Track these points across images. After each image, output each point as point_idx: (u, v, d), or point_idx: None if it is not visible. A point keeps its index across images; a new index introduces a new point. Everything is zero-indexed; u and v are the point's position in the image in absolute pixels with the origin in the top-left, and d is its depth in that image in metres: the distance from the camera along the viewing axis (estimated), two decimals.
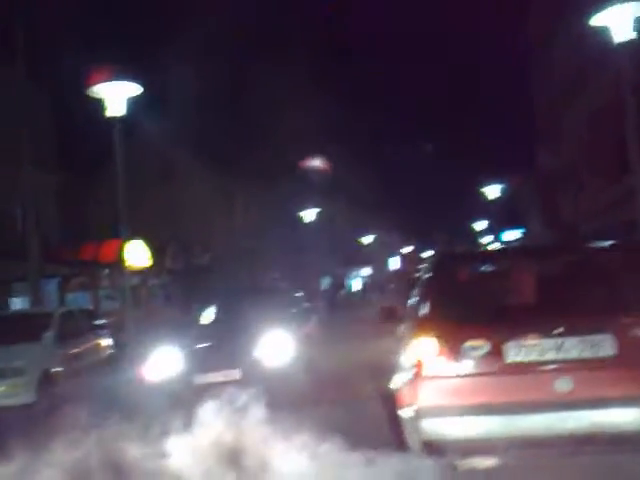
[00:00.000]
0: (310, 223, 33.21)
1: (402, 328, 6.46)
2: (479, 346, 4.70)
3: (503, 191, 34.18)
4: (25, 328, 10.48)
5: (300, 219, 33.89)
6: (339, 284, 43.82)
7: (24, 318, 11.52)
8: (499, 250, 7.84)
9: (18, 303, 19.09)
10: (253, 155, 36.36)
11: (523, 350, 4.68)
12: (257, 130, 37.02)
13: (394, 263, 78.64)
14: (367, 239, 58.88)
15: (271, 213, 44.09)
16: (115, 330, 13.54)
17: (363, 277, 65.39)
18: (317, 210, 33.46)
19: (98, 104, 11.51)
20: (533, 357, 4.67)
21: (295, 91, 36.06)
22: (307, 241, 37.01)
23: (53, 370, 9.80)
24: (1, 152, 21.65)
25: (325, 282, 47.92)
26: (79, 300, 20.47)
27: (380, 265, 71.15)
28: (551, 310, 4.92)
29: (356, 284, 61.05)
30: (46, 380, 9.48)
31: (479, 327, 4.83)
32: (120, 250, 15.39)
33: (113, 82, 10.91)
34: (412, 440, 4.75)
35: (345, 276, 57.07)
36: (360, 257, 61.10)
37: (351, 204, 59.00)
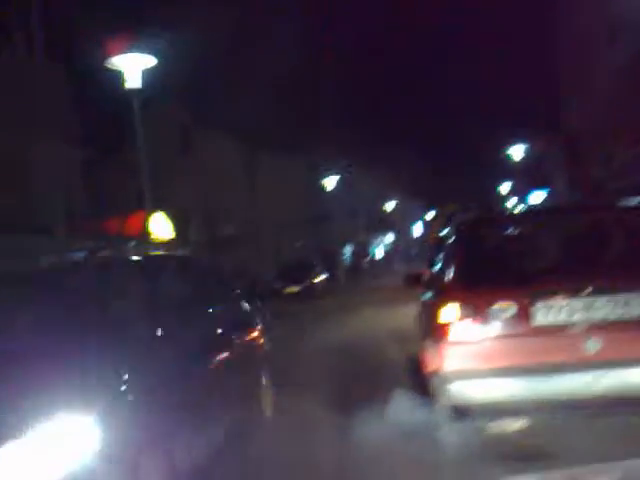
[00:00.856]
0: (332, 191, 33.06)
1: (428, 293, 6.45)
2: (506, 308, 4.68)
3: (527, 152, 33.59)
4: None
5: (323, 187, 33.76)
6: (362, 251, 43.82)
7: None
8: (524, 212, 7.72)
9: None
10: (274, 124, 36.23)
11: (551, 311, 4.65)
12: (280, 99, 36.80)
13: (417, 229, 78.41)
14: (389, 205, 58.55)
15: (294, 181, 44.08)
16: None
17: (386, 244, 65.35)
18: (337, 177, 33.27)
19: (116, 77, 11.50)
20: (562, 318, 4.63)
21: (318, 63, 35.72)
22: (329, 208, 36.97)
23: None
24: (26, 127, 21.87)
25: (347, 250, 47.99)
26: None
27: (403, 231, 71.02)
28: (579, 270, 4.87)
29: (379, 251, 61.09)
30: None
31: (506, 289, 4.80)
32: (145, 222, 15.51)
33: (129, 54, 10.86)
34: (441, 403, 4.77)
35: (368, 243, 57.06)
36: (383, 223, 60.95)
37: (373, 170, 58.66)
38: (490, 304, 4.68)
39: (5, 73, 22.64)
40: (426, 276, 7.13)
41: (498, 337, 4.66)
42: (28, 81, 18.85)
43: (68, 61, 25.60)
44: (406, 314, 13.13)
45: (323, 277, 29.55)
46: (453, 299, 4.78)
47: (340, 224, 38.30)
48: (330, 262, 34.81)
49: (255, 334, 6.26)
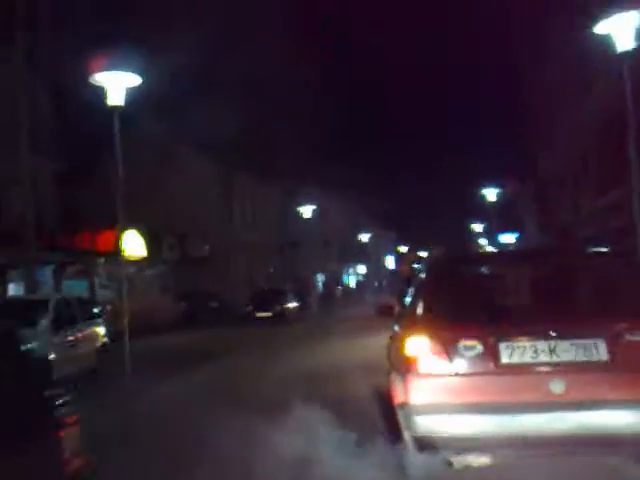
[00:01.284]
0: (307, 219, 33.22)
1: (397, 326, 6.53)
2: (473, 346, 4.76)
3: (500, 195, 34.30)
4: (22, 314, 10.50)
5: (298, 214, 33.90)
6: (334, 280, 43.90)
7: (20, 304, 11.55)
8: (494, 253, 7.89)
9: (13, 289, 19.08)
10: (252, 147, 36.40)
11: (517, 351, 4.75)
12: (260, 123, 37.04)
13: (390, 262, 78.88)
14: (364, 237, 58.87)
15: (268, 206, 44.18)
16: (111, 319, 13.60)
17: (358, 275, 65.56)
18: (313, 207, 33.49)
19: (97, 93, 11.54)
20: (527, 358, 4.73)
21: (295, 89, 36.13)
22: (303, 236, 37.10)
23: (48, 357, 9.81)
24: (0, 138, 21.68)
25: (319, 278, 48.02)
26: (75, 287, 20.47)
27: (376, 263, 71.35)
28: (545, 313, 5.00)
29: (352, 281, 61.24)
30: None
31: (473, 327, 4.89)
32: (116, 239, 15.43)
33: (113, 71, 10.92)
34: (407, 436, 4.82)
35: (340, 272, 57.22)
36: (356, 254, 61.23)
37: (348, 202, 59.09)
38: (457, 340, 4.77)
39: None
40: (397, 308, 7.22)
41: (465, 373, 4.74)
42: (8, 91, 18.74)
43: (50, 75, 25.57)
44: (375, 345, 13.19)
45: (294, 304, 29.51)
46: (421, 332, 4.85)
47: (313, 252, 38.38)
48: (302, 289, 34.80)
49: None
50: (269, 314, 26.83)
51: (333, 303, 38.25)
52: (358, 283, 61.15)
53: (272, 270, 44.66)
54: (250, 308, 27.54)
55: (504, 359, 4.74)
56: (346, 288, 52.41)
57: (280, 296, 28.62)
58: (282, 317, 26.89)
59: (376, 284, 67.12)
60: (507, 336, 4.77)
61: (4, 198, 23.11)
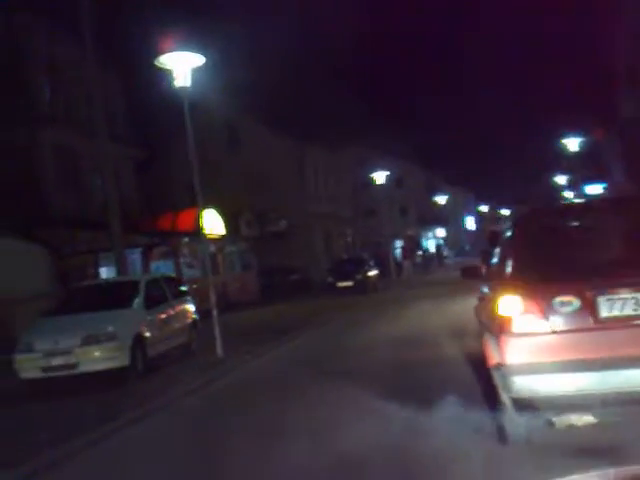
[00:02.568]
0: (382, 186, 32.88)
1: (486, 287, 6.38)
2: (569, 302, 4.59)
3: (583, 143, 32.70)
4: (115, 296, 10.97)
5: (372, 181, 33.61)
6: (413, 246, 43.46)
7: (114, 286, 12.02)
8: (582, 203, 7.53)
9: (104, 272, 19.97)
10: (323, 118, 36.27)
11: (617, 304, 4.54)
12: (324, 95, 36.86)
13: (470, 222, 77.32)
14: (441, 199, 57.80)
15: (342, 176, 44.07)
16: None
17: (438, 238, 64.68)
18: (387, 173, 33.07)
19: (166, 77, 11.71)
20: (628, 311, 4.52)
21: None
22: (379, 203, 36.81)
23: (144, 334, 10.23)
24: (78, 124, 22.55)
25: (398, 244, 47.69)
26: (162, 268, 21.17)
27: (456, 225, 70.15)
28: None
29: (431, 245, 60.50)
30: (138, 344, 9.92)
31: (568, 283, 4.70)
32: (196, 219, 15.77)
33: (178, 52, 11.02)
34: (504, 397, 4.71)
35: (419, 237, 56.59)
36: (435, 217, 60.32)
37: (423, 165, 58.13)
38: (553, 297, 4.60)
39: (62, 71, 23.42)
40: (484, 269, 7.05)
41: (562, 330, 4.57)
42: (82, 80, 19.38)
43: (120, 57, 26.30)
44: (461, 308, 13.05)
45: (375, 272, 29.46)
46: (515, 292, 4.70)
47: (390, 218, 38.06)
48: (381, 257, 34.68)
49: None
50: (350, 283, 26.91)
51: (414, 268, 37.95)
52: (438, 246, 60.31)
53: (350, 239, 44.72)
54: (331, 279, 27.70)
55: (604, 313, 4.55)
56: (426, 253, 51.81)
57: (360, 265, 28.60)
58: (363, 285, 26.90)
59: (458, 246, 66.12)
60: (606, 289, 4.57)
61: (88, 187, 24.12)
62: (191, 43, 11.42)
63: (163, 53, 11.06)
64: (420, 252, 48.57)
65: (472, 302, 7.85)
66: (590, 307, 4.56)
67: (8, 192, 19.96)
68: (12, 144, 21.48)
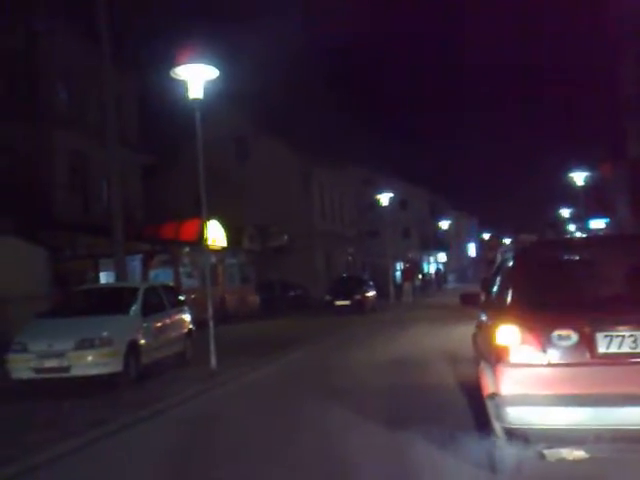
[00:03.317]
0: (386, 207, 32.94)
1: (484, 315, 6.35)
2: (568, 336, 4.57)
3: (589, 178, 32.78)
4: (113, 301, 10.96)
5: (377, 202, 33.66)
6: (414, 269, 43.34)
7: (112, 292, 12.02)
8: (587, 238, 7.52)
9: (104, 278, 19.96)
10: (332, 135, 36.44)
11: (615, 341, 4.52)
12: (333, 114, 37.09)
13: (472, 249, 77.32)
14: (444, 224, 57.85)
15: (347, 196, 44.18)
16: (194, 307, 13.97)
17: (439, 263, 64.64)
18: (391, 195, 33.15)
19: (178, 86, 11.80)
20: (626, 349, 4.50)
21: None
22: (382, 225, 36.84)
23: (139, 341, 10.20)
24: (89, 129, 22.68)
25: (399, 267, 47.62)
26: (161, 277, 21.18)
27: (457, 250, 70.14)
28: None
29: (432, 269, 60.43)
30: (132, 351, 9.88)
31: (568, 316, 4.69)
32: (200, 229, 15.78)
33: (192, 65, 11.13)
34: (497, 427, 4.68)
35: (420, 261, 56.53)
36: (437, 242, 60.33)
37: (428, 189, 58.31)
38: (551, 330, 4.59)
39: (78, 76, 23.60)
40: (483, 297, 7.02)
41: (559, 364, 4.55)
42: (95, 86, 19.53)
43: (134, 66, 26.53)
44: (458, 334, 13.00)
45: (373, 293, 29.41)
46: (513, 322, 4.69)
47: (392, 240, 38.06)
48: (381, 278, 34.63)
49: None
50: (348, 302, 26.86)
51: (413, 291, 37.77)
52: (438, 271, 60.21)
53: (351, 259, 44.70)
54: (329, 297, 27.64)
55: (601, 349, 4.53)
56: (427, 276, 51.74)
57: (359, 285, 28.56)
58: (361, 306, 26.84)
59: (459, 271, 66.06)
60: (605, 325, 4.56)
61: (95, 192, 24.20)
62: (206, 54, 11.52)
63: (178, 64, 11.16)
64: (420, 275, 48.48)
65: (469, 329, 7.82)
66: (588, 342, 4.55)
67: (15, 192, 20.05)
68: (24, 146, 21.61)
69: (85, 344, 9.35)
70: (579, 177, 31.52)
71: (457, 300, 7.76)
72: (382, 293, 31.81)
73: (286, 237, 33.75)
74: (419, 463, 5.22)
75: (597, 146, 37.84)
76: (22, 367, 9.39)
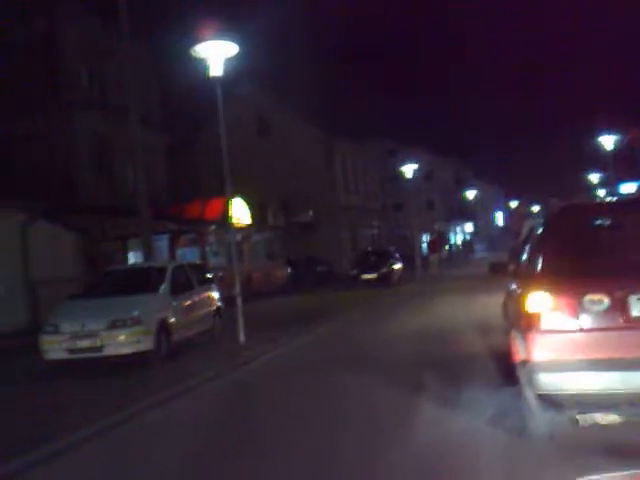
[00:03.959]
0: (410, 179, 32.66)
1: (514, 283, 6.29)
2: (600, 300, 4.50)
3: (619, 141, 32.03)
4: (142, 281, 11.06)
5: (401, 174, 33.39)
6: (441, 241, 43.13)
7: (141, 271, 12.12)
8: (616, 201, 7.39)
9: (132, 258, 20.21)
10: (354, 109, 36.11)
11: None
12: (353, 84, 36.71)
13: (500, 218, 76.55)
14: (470, 194, 57.24)
15: (370, 169, 43.91)
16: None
17: (466, 233, 64.16)
18: (415, 166, 32.79)
19: (198, 66, 11.76)
20: None
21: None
22: (407, 197, 36.59)
23: (169, 320, 10.32)
24: (113, 110, 22.78)
25: (425, 238, 47.41)
26: (188, 255, 21.36)
27: (485, 220, 69.53)
28: None
29: (459, 240, 60.03)
30: (163, 329, 10.00)
31: (599, 281, 4.62)
32: (224, 207, 15.82)
33: (213, 41, 11.06)
34: (530, 393, 4.65)
35: (447, 231, 56.15)
36: (463, 212, 59.81)
37: (454, 157, 57.64)
38: (583, 295, 4.52)
39: (99, 57, 23.68)
40: (512, 265, 6.95)
41: (591, 328, 4.50)
42: (118, 65, 19.55)
43: (154, 46, 26.50)
44: (487, 303, 12.92)
45: (400, 265, 29.32)
46: (544, 289, 4.63)
47: (417, 212, 37.82)
48: (407, 251, 34.51)
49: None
50: (374, 276, 26.82)
51: (439, 263, 37.70)
52: (465, 242, 59.78)
53: (376, 232, 44.58)
54: (355, 271, 27.62)
55: (635, 313, 4.45)
56: (454, 247, 51.43)
57: (385, 258, 28.48)
58: (388, 278, 26.80)
59: (487, 241, 65.56)
60: (637, 289, 4.46)
61: (120, 173, 24.39)
62: (225, 31, 11.45)
63: (198, 42, 11.11)
64: (447, 246, 48.21)
65: (498, 299, 7.76)
66: (621, 306, 4.48)
67: (42, 176, 20.29)
68: (48, 129, 21.81)
69: (117, 324, 9.48)
70: (609, 141, 30.85)
71: (485, 270, 7.70)
72: (409, 265, 31.73)
73: (310, 212, 33.75)
74: (452, 432, 5.21)
75: (627, 110, 36.99)
76: (55, 348, 9.56)
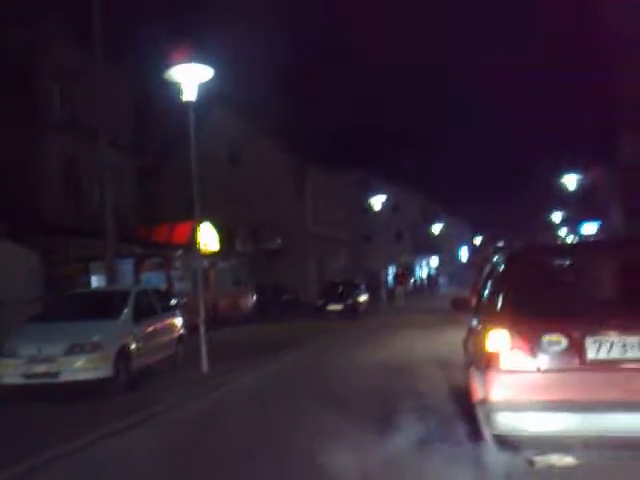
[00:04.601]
0: (379, 211, 32.95)
1: (475, 320, 6.35)
2: (557, 341, 4.57)
3: (581, 181, 32.90)
4: (104, 305, 10.89)
5: (370, 206, 33.68)
6: (406, 274, 43.37)
7: (103, 295, 11.95)
8: (576, 243, 7.56)
9: (95, 281, 19.86)
10: (326, 137, 36.41)
11: (604, 347, 4.52)
12: (326, 117, 37.15)
13: (464, 253, 77.49)
14: (436, 228, 57.96)
15: (340, 200, 44.17)
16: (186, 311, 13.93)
17: (431, 267, 64.71)
18: (383, 198, 33.12)
19: (171, 90, 11.79)
20: (615, 354, 4.50)
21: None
22: (375, 229, 36.86)
23: (130, 346, 10.14)
24: (82, 132, 22.59)
25: (391, 271, 47.67)
26: (153, 280, 21.08)
27: (449, 255, 70.25)
28: (633, 306, 4.73)
29: (424, 273, 60.50)
30: (122, 356, 9.82)
31: (557, 321, 4.69)
32: (192, 232, 15.73)
33: (186, 65, 11.11)
34: (487, 433, 4.68)
35: (413, 265, 56.58)
36: (429, 246, 60.40)
37: (422, 191, 58.36)
38: (541, 335, 4.59)
39: (71, 78, 23.55)
40: (474, 302, 7.03)
41: (549, 369, 4.55)
42: (89, 86, 19.49)
43: (127, 68, 26.48)
44: (449, 339, 12.99)
45: (366, 297, 29.38)
46: (503, 327, 4.69)
47: (385, 244, 38.08)
48: (373, 283, 34.63)
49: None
50: (340, 307, 26.82)
51: (405, 296, 37.81)
52: (430, 276, 60.23)
53: (344, 263, 44.69)
54: (321, 301, 27.59)
55: (591, 355, 4.53)
56: (419, 281, 51.78)
57: (351, 289, 28.55)
58: (353, 310, 26.82)
59: (451, 276, 66.13)
60: (594, 331, 4.56)
61: (87, 195, 24.10)
62: (199, 55, 11.51)
63: (172, 65, 11.14)
64: (412, 280, 48.52)
65: (460, 334, 7.82)
66: (577, 348, 4.55)
67: (7, 195, 19.94)
68: (16, 149, 21.50)
69: (75, 349, 9.29)
70: (571, 181, 31.66)
71: (449, 305, 7.76)
72: (375, 297, 31.79)
73: (279, 240, 33.73)
74: (409, 470, 5.20)
75: (589, 150, 38.05)
76: (10, 372, 9.31)
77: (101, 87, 15.21)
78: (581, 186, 33.33)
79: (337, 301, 27.12)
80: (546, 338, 4.57)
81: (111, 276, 14.56)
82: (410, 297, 41.37)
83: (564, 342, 4.56)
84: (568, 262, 5.72)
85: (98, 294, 12.52)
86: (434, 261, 65.44)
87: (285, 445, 6.27)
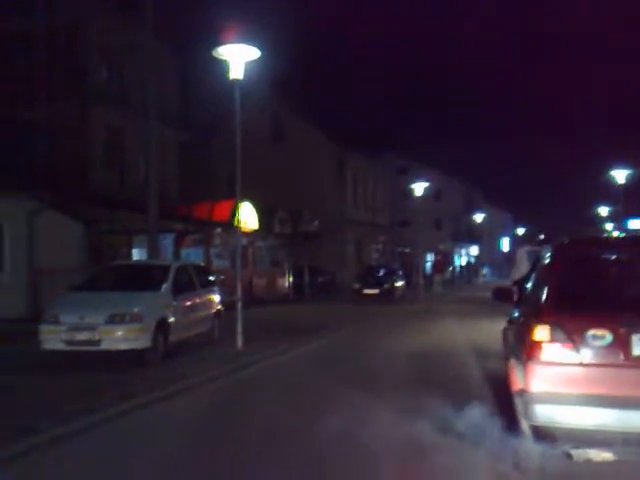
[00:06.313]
0: (419, 197, 32.62)
1: (517, 311, 6.26)
2: (602, 336, 4.49)
3: (631, 176, 31.96)
4: (145, 278, 11.07)
5: (410, 192, 33.37)
6: (445, 261, 43.04)
7: (144, 268, 12.15)
8: (626, 237, 7.38)
9: (136, 254, 20.22)
10: (368, 123, 36.17)
11: None
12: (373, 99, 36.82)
13: (505, 244, 76.41)
14: (478, 217, 57.21)
15: (380, 184, 43.93)
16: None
17: (470, 256, 64.01)
18: (425, 185, 32.74)
19: (219, 67, 11.81)
20: None
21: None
22: (415, 215, 36.55)
23: (168, 319, 10.31)
24: (128, 107, 22.90)
25: (429, 258, 47.35)
26: (192, 256, 21.36)
27: (490, 245, 69.36)
28: None
29: (463, 262, 59.91)
30: (161, 328, 9.99)
31: (604, 316, 4.60)
32: (233, 211, 15.85)
33: (235, 44, 11.12)
34: (524, 424, 4.62)
35: (452, 253, 56.05)
36: (469, 235, 59.72)
37: (464, 180, 57.66)
38: (585, 329, 4.51)
39: (119, 53, 23.85)
40: (516, 293, 6.92)
41: (592, 364, 4.47)
42: (137, 61, 19.71)
43: (176, 43, 26.67)
44: (487, 329, 12.86)
45: (402, 283, 29.25)
46: (547, 320, 4.61)
47: (424, 231, 37.76)
48: (410, 269, 34.44)
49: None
50: (377, 291, 26.79)
51: (443, 284, 37.58)
52: (469, 264, 59.59)
53: (381, 248, 44.54)
54: (358, 285, 27.59)
55: (636, 352, 4.42)
56: (457, 269, 51.30)
57: (388, 274, 28.47)
58: (390, 295, 26.76)
59: (492, 266, 65.39)
60: None
61: (132, 168, 24.48)
62: (248, 35, 11.50)
63: (221, 43, 11.16)
64: (451, 268, 48.09)
65: (498, 324, 7.71)
66: (623, 343, 4.46)
67: (54, 167, 20.38)
68: (64, 121, 21.93)
69: (116, 319, 9.48)
70: (621, 175, 30.78)
71: (487, 294, 7.65)
72: (411, 283, 31.63)
73: (317, 223, 33.74)
74: (441, 453, 5.16)
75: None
76: (53, 338, 9.56)
77: (149, 61, 15.36)
78: (631, 181, 32.39)
79: (374, 285, 27.08)
80: (591, 332, 4.49)
81: (152, 250, 14.78)
82: (448, 285, 41.06)
83: (609, 337, 4.48)
84: (615, 256, 5.58)
85: (140, 267, 12.73)
86: (474, 250, 64.69)
87: (315, 424, 6.27)
